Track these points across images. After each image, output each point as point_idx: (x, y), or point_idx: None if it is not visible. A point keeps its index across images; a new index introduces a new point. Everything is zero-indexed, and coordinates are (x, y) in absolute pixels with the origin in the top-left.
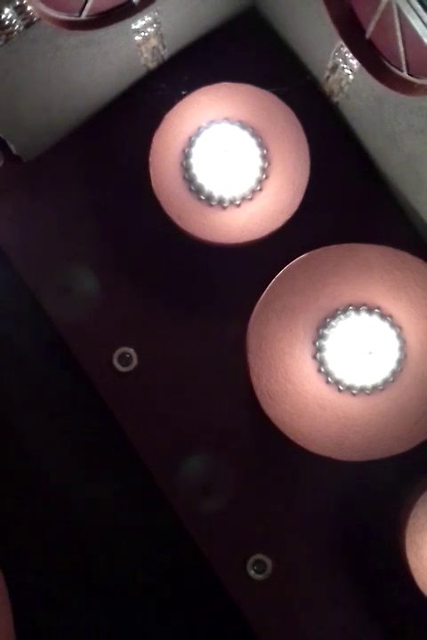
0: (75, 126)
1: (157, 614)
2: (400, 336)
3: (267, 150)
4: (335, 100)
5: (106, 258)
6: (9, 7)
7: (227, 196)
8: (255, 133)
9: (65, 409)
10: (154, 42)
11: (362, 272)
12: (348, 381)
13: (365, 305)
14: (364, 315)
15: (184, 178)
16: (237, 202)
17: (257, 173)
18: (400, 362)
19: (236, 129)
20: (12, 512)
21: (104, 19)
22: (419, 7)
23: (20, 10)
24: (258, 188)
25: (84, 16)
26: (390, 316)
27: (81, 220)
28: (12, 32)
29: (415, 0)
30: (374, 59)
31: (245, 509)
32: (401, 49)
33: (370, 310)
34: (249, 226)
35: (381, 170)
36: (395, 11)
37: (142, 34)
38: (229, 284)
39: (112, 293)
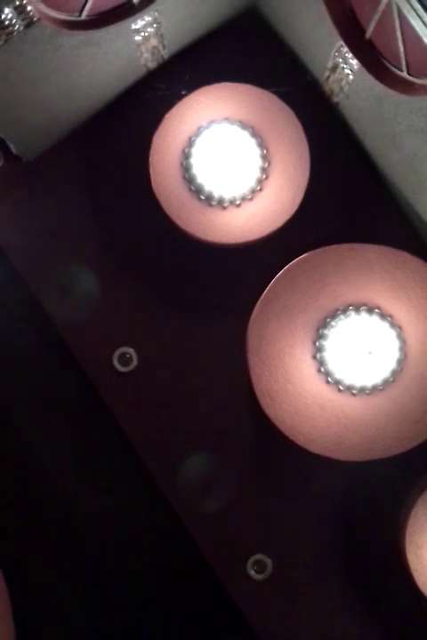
0: (75, 126)
1: (157, 614)
2: (400, 336)
3: (267, 150)
4: (335, 100)
5: (106, 258)
6: (9, 7)
7: (227, 196)
8: (255, 133)
9: (65, 409)
10: (154, 42)
11: (362, 272)
12: (348, 381)
13: (365, 305)
14: (364, 315)
15: (184, 178)
16: (237, 202)
17: (257, 173)
18: (400, 362)
19: (236, 129)
20: (11, 512)
21: (104, 19)
22: (419, 7)
23: (20, 10)
24: (258, 187)
25: (84, 16)
26: (390, 316)
27: (81, 220)
28: (12, 32)
29: (415, 0)
30: (374, 59)
31: (245, 509)
32: (401, 49)
33: (370, 310)
34: (249, 226)
35: (381, 170)
36: (395, 11)
37: (142, 34)
38: (229, 284)
39: (112, 293)
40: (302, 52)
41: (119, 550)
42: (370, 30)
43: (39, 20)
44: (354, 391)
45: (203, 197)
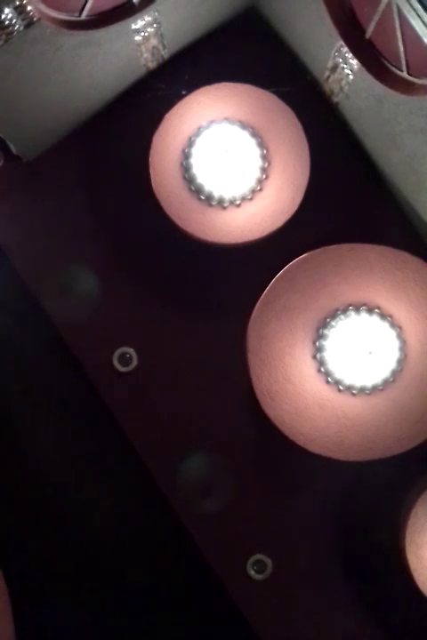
0: (75, 126)
1: (157, 614)
2: (400, 336)
3: (267, 150)
4: (335, 100)
5: (106, 258)
6: (9, 7)
7: (227, 196)
8: (255, 133)
9: (65, 409)
10: (154, 42)
11: (362, 272)
12: (348, 381)
13: (365, 305)
14: (364, 315)
15: (184, 178)
16: (237, 202)
17: (257, 173)
18: (400, 362)
19: (236, 129)
20: (11, 512)
21: (104, 19)
22: (419, 7)
23: (20, 10)
24: (258, 187)
25: (84, 16)
26: (390, 316)
27: (81, 220)
28: (12, 32)
29: (415, 0)
30: (374, 59)
31: (245, 509)
32: (401, 49)
33: (370, 310)
34: (249, 226)
35: (381, 170)
36: (395, 11)
37: (142, 34)
38: (229, 284)
39: (112, 293)
40: (302, 52)
41: (119, 550)
42: (370, 30)
43: (39, 20)
44: (354, 391)
45: (203, 197)
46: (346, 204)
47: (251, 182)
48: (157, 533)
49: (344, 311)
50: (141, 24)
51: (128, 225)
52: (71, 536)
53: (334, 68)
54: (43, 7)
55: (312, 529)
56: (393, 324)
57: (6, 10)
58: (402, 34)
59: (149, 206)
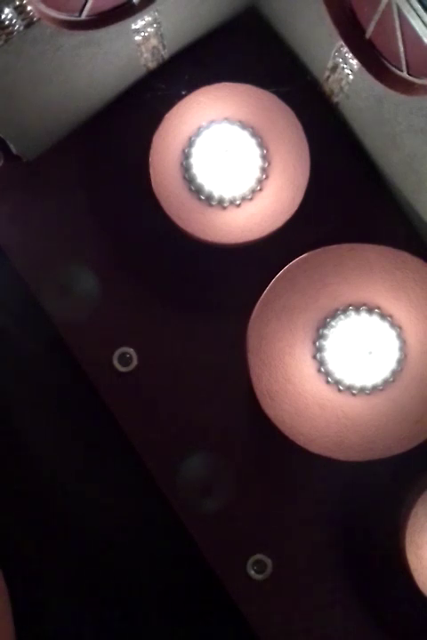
0: (75, 126)
1: (157, 614)
2: (400, 336)
3: (267, 150)
4: (335, 100)
5: (106, 258)
6: (9, 7)
7: (227, 196)
8: (255, 133)
9: (65, 409)
10: (154, 42)
11: (362, 272)
12: (348, 381)
13: (365, 305)
14: (364, 315)
15: (184, 178)
16: (237, 202)
17: (257, 173)
18: (400, 362)
19: (236, 129)
20: (11, 512)
21: (104, 19)
22: (419, 7)
23: (20, 10)
24: (258, 187)
25: (84, 16)
26: (390, 316)
27: (81, 220)
28: (12, 32)
29: (415, 0)
30: (374, 59)
31: (245, 509)
32: (401, 49)
33: (370, 310)
34: (249, 226)
35: (381, 170)
36: (395, 11)
37: (142, 34)
38: (229, 284)
39: (112, 293)
40: (302, 52)
41: (119, 550)
42: (370, 30)
43: (39, 20)
44: (354, 391)
45: (203, 197)
46: (346, 204)
47: (251, 182)
48: (157, 533)
49: (344, 311)
50: (141, 24)
51: (128, 225)
52: (71, 536)
53: (334, 67)
54: (43, 7)
55: (312, 529)
56: (393, 324)
57: (6, 10)
58: (402, 34)
59: (149, 206)
